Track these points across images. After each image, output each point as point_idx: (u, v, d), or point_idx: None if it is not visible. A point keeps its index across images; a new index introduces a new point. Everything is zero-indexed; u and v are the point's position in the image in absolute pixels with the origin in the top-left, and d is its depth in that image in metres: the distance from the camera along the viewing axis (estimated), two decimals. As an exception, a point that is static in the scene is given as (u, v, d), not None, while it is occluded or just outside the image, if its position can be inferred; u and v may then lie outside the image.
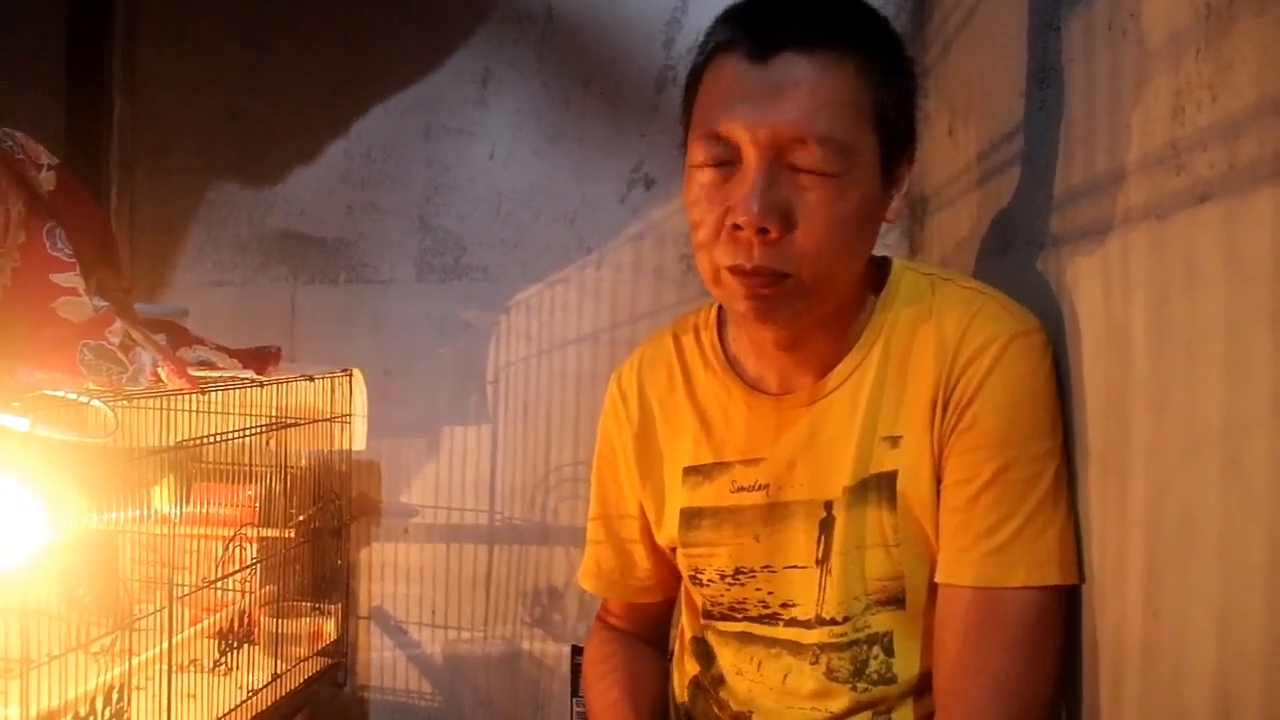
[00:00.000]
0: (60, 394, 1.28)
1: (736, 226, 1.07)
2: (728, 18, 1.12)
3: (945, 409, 1.11)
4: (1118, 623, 0.97)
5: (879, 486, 1.15)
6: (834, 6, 1.10)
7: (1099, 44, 1.01)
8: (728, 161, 1.08)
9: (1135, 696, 0.93)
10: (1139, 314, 0.91)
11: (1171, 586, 0.86)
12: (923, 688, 1.16)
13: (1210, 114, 0.77)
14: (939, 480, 1.12)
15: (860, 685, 1.17)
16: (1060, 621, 1.07)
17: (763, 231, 1.05)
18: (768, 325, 1.15)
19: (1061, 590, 1.06)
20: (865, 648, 1.17)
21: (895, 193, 1.14)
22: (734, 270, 1.09)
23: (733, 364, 1.27)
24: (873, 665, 1.17)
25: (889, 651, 1.17)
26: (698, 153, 1.11)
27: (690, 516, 1.28)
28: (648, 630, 1.47)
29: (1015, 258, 1.29)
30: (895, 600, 1.16)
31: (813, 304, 1.11)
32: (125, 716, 1.39)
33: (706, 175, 1.10)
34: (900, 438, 1.14)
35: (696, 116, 1.12)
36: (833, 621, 1.18)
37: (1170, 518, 0.85)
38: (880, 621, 1.16)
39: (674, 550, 1.33)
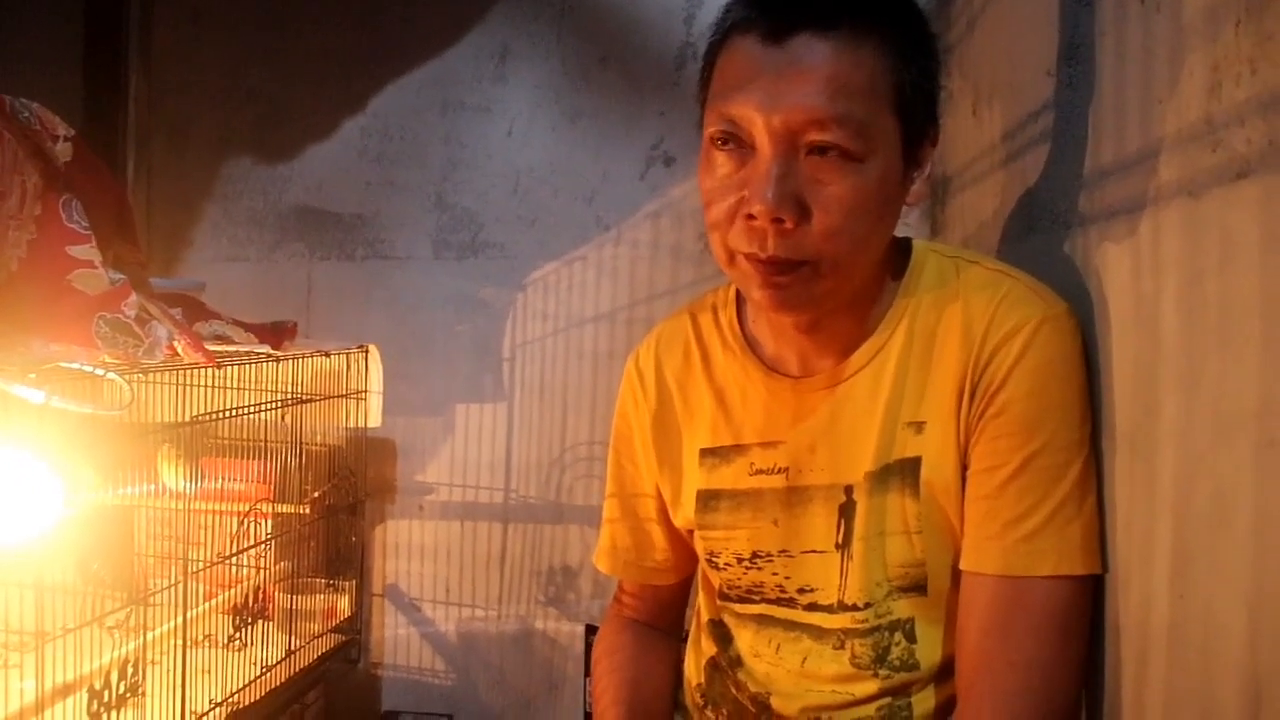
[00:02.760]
0: (75, 366, 1.27)
1: (751, 215, 1.04)
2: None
3: (973, 395, 1.09)
4: (1143, 606, 0.96)
5: (902, 472, 1.13)
6: None
7: (1131, 19, 0.99)
8: (742, 145, 1.06)
9: (1161, 680, 0.91)
10: (1170, 294, 0.90)
11: (1200, 569, 0.84)
12: (944, 674, 1.15)
13: (1249, 88, 0.75)
14: (964, 467, 1.11)
15: (882, 671, 1.16)
16: (1086, 610, 1.05)
17: (778, 221, 1.03)
18: (785, 313, 1.14)
19: (1088, 579, 1.05)
20: (887, 634, 1.16)
21: (917, 175, 1.11)
22: (750, 257, 1.07)
23: (751, 345, 1.25)
24: (895, 651, 1.16)
25: (911, 638, 1.15)
26: (712, 135, 1.08)
27: (707, 499, 1.27)
28: (661, 615, 1.46)
29: (1041, 238, 1.27)
30: (917, 587, 1.14)
31: (831, 290, 1.09)
32: (140, 691, 1.39)
33: (720, 158, 1.08)
34: (924, 423, 1.13)
35: (712, 97, 1.09)
36: (854, 607, 1.17)
37: (1201, 500, 0.84)
38: (902, 608, 1.15)
39: (691, 532, 1.32)
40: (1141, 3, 0.96)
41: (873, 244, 1.10)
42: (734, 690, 1.29)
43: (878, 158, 1.04)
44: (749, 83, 1.04)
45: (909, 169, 1.09)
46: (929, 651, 1.15)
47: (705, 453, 1.27)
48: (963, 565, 1.10)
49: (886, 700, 1.17)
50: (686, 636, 1.46)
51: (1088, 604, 1.06)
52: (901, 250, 1.20)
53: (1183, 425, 0.87)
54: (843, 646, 1.18)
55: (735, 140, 1.06)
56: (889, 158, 1.06)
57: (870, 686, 1.17)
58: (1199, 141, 0.84)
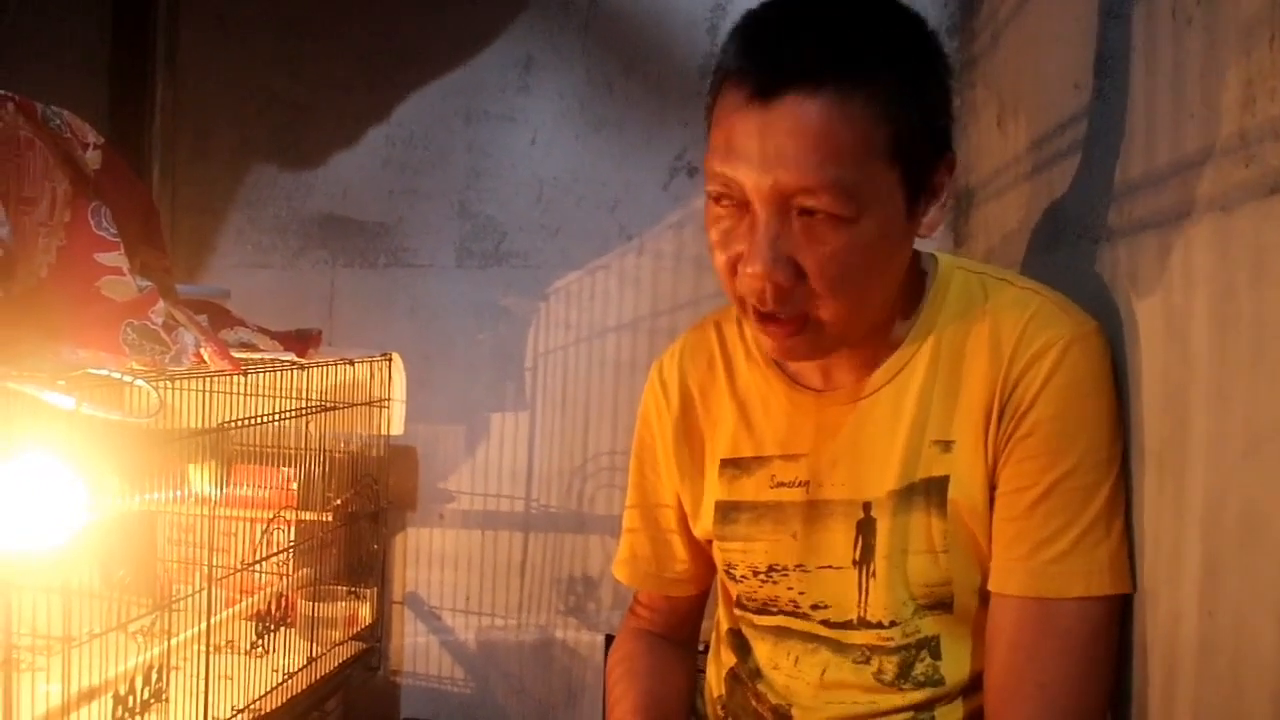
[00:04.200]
0: (104, 373, 1.28)
1: (750, 275, 1.04)
2: (738, 34, 1.08)
3: (1002, 415, 1.09)
4: (1171, 624, 0.95)
5: (928, 491, 1.13)
6: (848, 25, 1.03)
7: (1163, 33, 0.99)
8: (738, 204, 1.05)
9: (1190, 698, 0.91)
10: (1201, 309, 0.89)
11: (1230, 585, 0.84)
12: (971, 690, 1.15)
13: (1285, 103, 0.75)
14: (992, 487, 1.10)
15: (907, 687, 1.16)
16: (1114, 631, 1.05)
17: (774, 283, 1.03)
18: (797, 362, 1.14)
19: (1116, 599, 1.04)
20: (914, 651, 1.15)
21: (933, 204, 1.09)
22: (755, 312, 1.07)
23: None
24: (919, 668, 1.15)
25: (936, 654, 1.15)
26: (710, 189, 1.07)
27: (726, 510, 1.26)
28: (678, 628, 1.45)
29: (1067, 250, 1.27)
30: (943, 605, 1.14)
31: (839, 338, 1.09)
32: (163, 696, 1.39)
33: (720, 212, 1.07)
34: (952, 442, 1.12)
35: (710, 143, 1.08)
36: (879, 625, 1.16)
37: (1231, 516, 0.83)
38: (929, 625, 1.15)
39: (710, 543, 1.32)
40: (1174, 17, 0.96)
41: (876, 291, 1.09)
42: (754, 702, 1.28)
43: (873, 213, 1.02)
44: (739, 144, 1.02)
45: (916, 208, 1.07)
46: (955, 668, 1.15)
47: (726, 463, 1.27)
48: (991, 586, 1.10)
49: (910, 715, 1.16)
50: (706, 648, 1.45)
51: (1116, 625, 1.05)
52: (924, 265, 1.20)
53: (1213, 441, 0.87)
54: (867, 661, 1.17)
55: (731, 199, 1.05)
56: (887, 209, 1.03)
57: (894, 700, 1.16)
58: (1232, 156, 0.83)
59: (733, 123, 1.03)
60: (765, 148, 1.00)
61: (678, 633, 1.45)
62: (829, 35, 1.02)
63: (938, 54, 1.09)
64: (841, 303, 1.04)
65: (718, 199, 1.07)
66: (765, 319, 1.07)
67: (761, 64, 1.02)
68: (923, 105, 1.05)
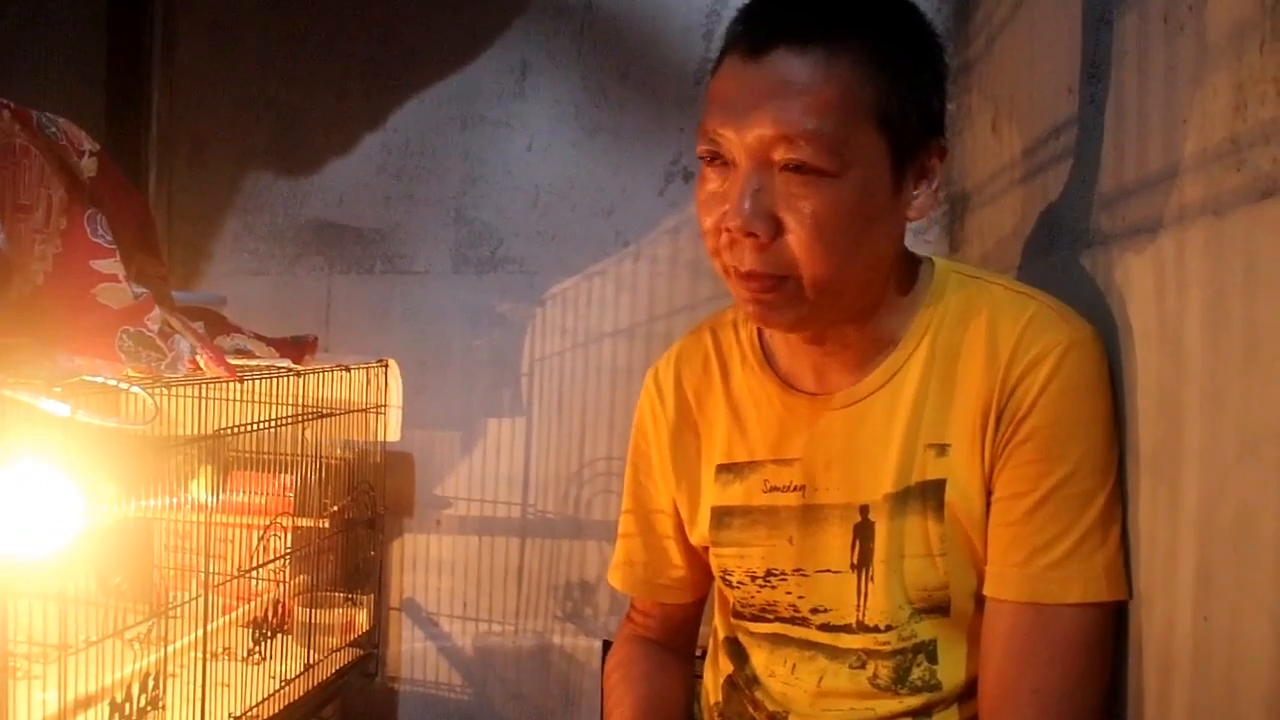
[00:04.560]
0: (100, 380, 1.28)
1: (729, 229, 1.05)
2: (740, 12, 1.11)
3: (999, 421, 1.09)
4: (1166, 628, 0.95)
5: (924, 495, 1.13)
6: None
7: (1154, 37, 0.99)
8: (725, 162, 1.07)
9: (1185, 703, 0.91)
10: (1194, 313, 0.90)
11: (1225, 590, 0.84)
12: (967, 694, 1.15)
13: (1275, 107, 0.75)
14: (988, 492, 1.10)
15: (903, 691, 1.16)
16: (1110, 637, 1.05)
17: (751, 235, 1.04)
18: (774, 327, 1.15)
19: (1112, 605, 1.05)
20: (910, 655, 1.15)
21: (923, 188, 1.10)
22: (735, 273, 1.08)
23: (770, 361, 1.25)
24: (915, 672, 1.15)
25: (933, 659, 1.15)
26: (700, 150, 1.09)
27: (721, 515, 1.26)
28: (674, 635, 1.45)
29: (1061, 255, 1.27)
30: (939, 609, 1.14)
31: (818, 307, 1.09)
32: (160, 704, 1.39)
33: (709, 174, 1.09)
34: (948, 446, 1.12)
35: (703, 114, 1.10)
36: (876, 629, 1.16)
37: (1225, 520, 0.83)
38: (925, 629, 1.15)
39: (706, 549, 1.32)
40: (1165, 21, 0.96)
41: (858, 259, 1.08)
42: (751, 709, 1.28)
43: (854, 173, 1.03)
44: (728, 100, 1.06)
45: (904, 182, 1.08)
46: (951, 672, 1.15)
47: (721, 469, 1.27)
48: (987, 591, 1.10)
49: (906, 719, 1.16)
50: (703, 654, 1.45)
51: (1112, 631, 1.05)
52: (915, 265, 1.20)
53: (1207, 444, 0.87)
54: (863, 666, 1.17)
55: (719, 157, 1.07)
56: (870, 172, 1.05)
57: (891, 706, 1.16)
58: (1224, 160, 0.84)
59: (724, 80, 1.08)
60: (751, 101, 1.03)
61: (674, 639, 1.45)
62: (821, 1, 1.06)
63: (930, 37, 1.12)
64: (820, 263, 1.05)
65: (708, 159, 1.09)
66: (744, 277, 1.07)
67: (754, 26, 1.06)
68: (912, 79, 1.07)
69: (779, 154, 1.03)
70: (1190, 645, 0.90)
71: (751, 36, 1.05)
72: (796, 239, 1.04)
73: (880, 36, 1.05)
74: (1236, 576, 0.82)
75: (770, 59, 1.03)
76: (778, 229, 1.04)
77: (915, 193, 1.10)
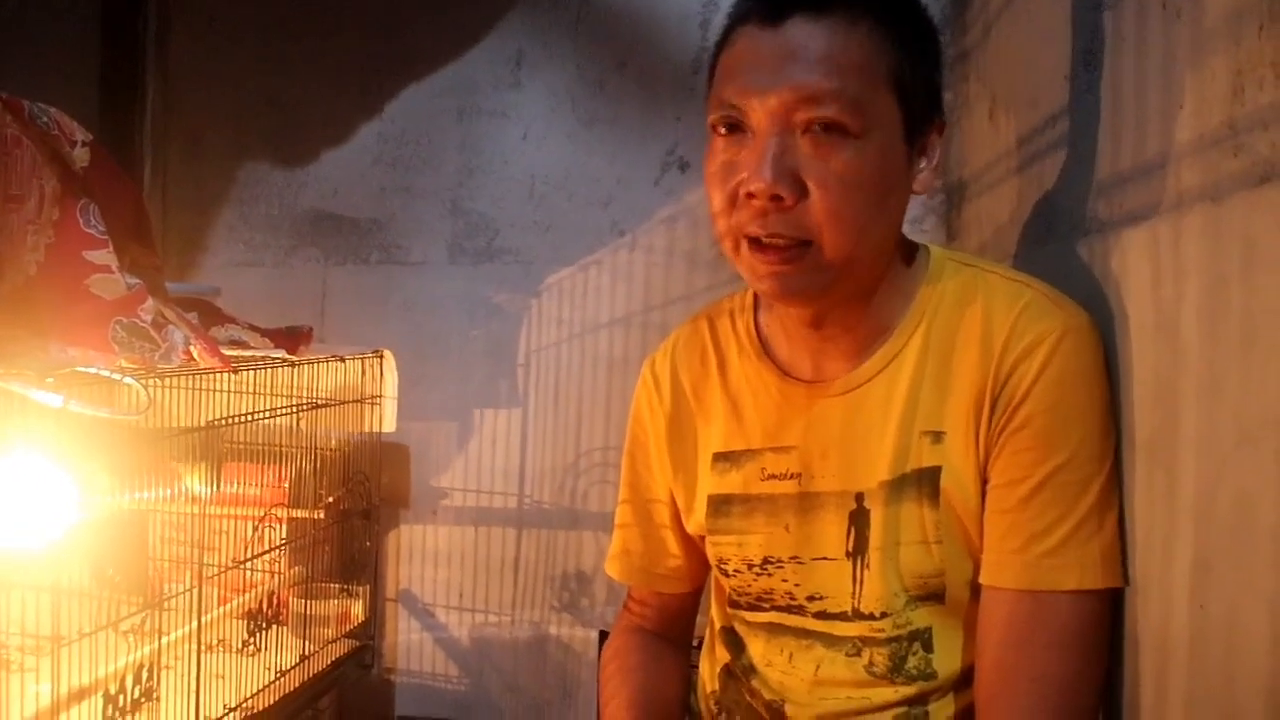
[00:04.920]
0: (93, 370, 1.27)
1: (751, 195, 1.05)
2: None
3: (994, 408, 1.09)
4: (1163, 616, 0.95)
5: (919, 482, 1.13)
6: None
7: (1151, 23, 0.99)
8: (742, 130, 1.07)
9: (1182, 691, 0.91)
10: (1191, 300, 0.89)
11: (1222, 579, 0.84)
12: (962, 683, 1.14)
13: (1273, 91, 0.75)
14: (984, 480, 1.10)
15: (899, 680, 1.15)
16: (1107, 625, 1.05)
17: (776, 199, 1.03)
18: (791, 301, 1.14)
19: (1109, 593, 1.04)
20: (905, 644, 1.15)
21: (925, 163, 1.12)
22: (753, 245, 1.07)
23: (767, 349, 1.25)
24: (911, 661, 1.15)
25: (928, 647, 1.15)
26: (714, 119, 1.09)
27: (718, 504, 1.26)
28: (671, 625, 1.45)
29: (1059, 243, 1.27)
30: (935, 596, 1.14)
31: (836, 277, 1.08)
32: (154, 695, 1.39)
33: (721, 144, 1.09)
34: (943, 433, 1.12)
35: (713, 88, 1.11)
36: (871, 616, 1.16)
37: (1223, 508, 0.83)
38: (920, 617, 1.15)
39: (703, 539, 1.31)
40: (1163, 7, 0.96)
41: (876, 226, 1.08)
42: (748, 697, 1.28)
43: (876, 134, 1.04)
44: (746, 68, 1.06)
45: (913, 155, 1.10)
46: (947, 661, 1.14)
47: (718, 457, 1.27)
48: (983, 580, 1.10)
49: (903, 709, 1.16)
50: (699, 644, 1.45)
51: (1108, 618, 1.05)
52: (913, 252, 1.20)
53: (1204, 432, 0.87)
54: (858, 654, 1.17)
55: (735, 125, 1.07)
56: (888, 136, 1.06)
57: (887, 694, 1.16)
58: (1221, 146, 0.83)
59: (739, 49, 1.08)
60: (772, 66, 1.04)
61: (670, 629, 1.45)
62: None
63: (929, 21, 1.14)
64: (842, 225, 1.05)
65: (724, 129, 1.08)
66: (762, 248, 1.07)
67: None
68: (920, 52, 1.09)
69: (802, 114, 1.03)
70: (1187, 633, 0.89)
71: (765, 6, 1.06)
72: (820, 200, 1.04)
73: (890, 12, 1.07)
74: (1234, 564, 0.82)
75: (787, 26, 1.04)
76: (802, 191, 1.04)
77: (920, 166, 1.12)
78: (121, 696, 1.33)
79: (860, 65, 1.03)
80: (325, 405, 1.89)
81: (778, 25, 1.04)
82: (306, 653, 1.82)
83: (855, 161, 1.04)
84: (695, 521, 1.31)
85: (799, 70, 1.03)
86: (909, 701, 1.15)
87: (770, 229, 1.05)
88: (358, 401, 2.01)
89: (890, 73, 1.05)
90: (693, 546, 1.36)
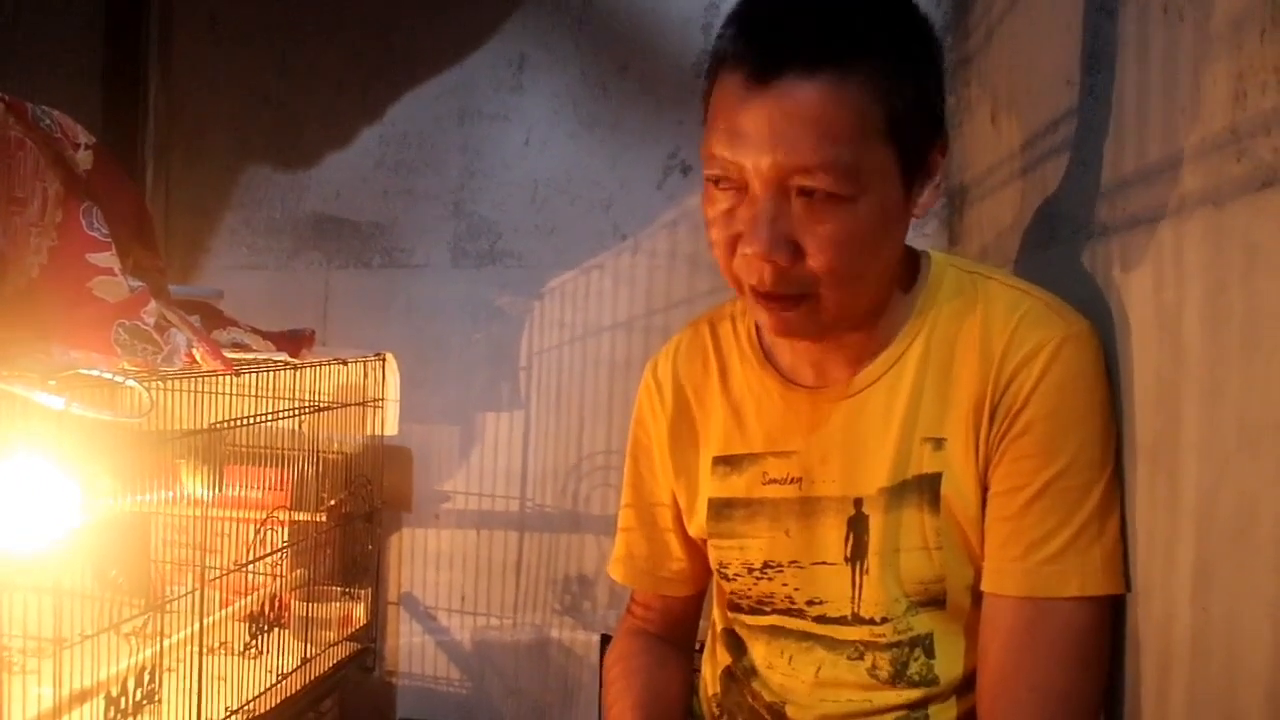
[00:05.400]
0: (95, 373, 1.28)
1: (749, 255, 1.05)
2: (735, 19, 1.08)
3: (994, 415, 1.09)
4: (1164, 621, 0.95)
5: (920, 488, 1.13)
6: (843, 8, 1.04)
7: (1154, 27, 0.99)
8: (735, 185, 1.06)
9: (1183, 696, 0.91)
10: (1193, 304, 0.89)
11: (1224, 583, 0.84)
12: (964, 688, 1.14)
13: (1276, 96, 0.75)
14: (984, 487, 1.10)
15: (901, 685, 1.15)
16: (1107, 631, 1.05)
17: (772, 262, 1.03)
18: (794, 339, 1.15)
19: (1110, 600, 1.04)
20: (907, 649, 1.15)
21: (926, 184, 1.10)
22: (754, 291, 1.07)
23: (768, 355, 1.25)
24: (913, 667, 1.15)
25: (930, 653, 1.15)
26: (707, 173, 1.08)
27: (719, 507, 1.26)
28: (673, 628, 1.45)
29: (1061, 247, 1.27)
30: (936, 601, 1.14)
31: (837, 317, 1.09)
32: (156, 698, 1.39)
33: (718, 194, 1.08)
34: (944, 440, 1.12)
35: (706, 135, 1.09)
36: (871, 621, 1.16)
37: (1225, 512, 0.83)
38: (921, 623, 1.15)
39: (704, 542, 1.31)
40: (1165, 11, 0.96)
41: (875, 270, 1.09)
42: (750, 700, 1.28)
43: (870, 194, 1.03)
44: (736, 127, 1.03)
45: (911, 188, 1.08)
46: (948, 666, 1.14)
47: (718, 461, 1.27)
48: (984, 587, 1.10)
49: (904, 713, 1.16)
50: (701, 647, 1.45)
51: (1109, 625, 1.05)
52: (914, 260, 1.20)
53: (1206, 436, 0.87)
54: (861, 657, 1.17)
55: (728, 181, 1.06)
56: (883, 189, 1.04)
57: (889, 698, 1.16)
58: (1223, 150, 0.83)
59: (730, 106, 1.04)
60: (763, 129, 1.01)
61: (673, 632, 1.44)
62: (825, 18, 1.03)
63: (930, 37, 1.10)
64: (841, 282, 1.05)
65: (716, 182, 1.07)
66: (764, 296, 1.07)
67: (758, 48, 1.03)
68: (917, 86, 1.05)
69: (795, 181, 1.01)
70: (1189, 638, 0.89)
71: (756, 58, 1.02)
72: (817, 261, 1.03)
73: (888, 50, 1.03)
74: (1235, 569, 0.82)
75: (778, 84, 1.01)
76: (797, 253, 1.03)
77: (920, 190, 1.10)
78: (123, 699, 1.34)
79: (853, 126, 1.01)
80: (327, 408, 1.89)
81: (768, 84, 1.01)
82: (308, 655, 1.82)
83: (849, 223, 1.02)
84: (696, 524, 1.31)
85: (791, 137, 1.00)
86: (911, 706, 1.15)
87: (769, 287, 1.05)
88: (360, 404, 2.01)
89: (886, 120, 1.02)
90: (696, 550, 1.36)
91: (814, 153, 1.00)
